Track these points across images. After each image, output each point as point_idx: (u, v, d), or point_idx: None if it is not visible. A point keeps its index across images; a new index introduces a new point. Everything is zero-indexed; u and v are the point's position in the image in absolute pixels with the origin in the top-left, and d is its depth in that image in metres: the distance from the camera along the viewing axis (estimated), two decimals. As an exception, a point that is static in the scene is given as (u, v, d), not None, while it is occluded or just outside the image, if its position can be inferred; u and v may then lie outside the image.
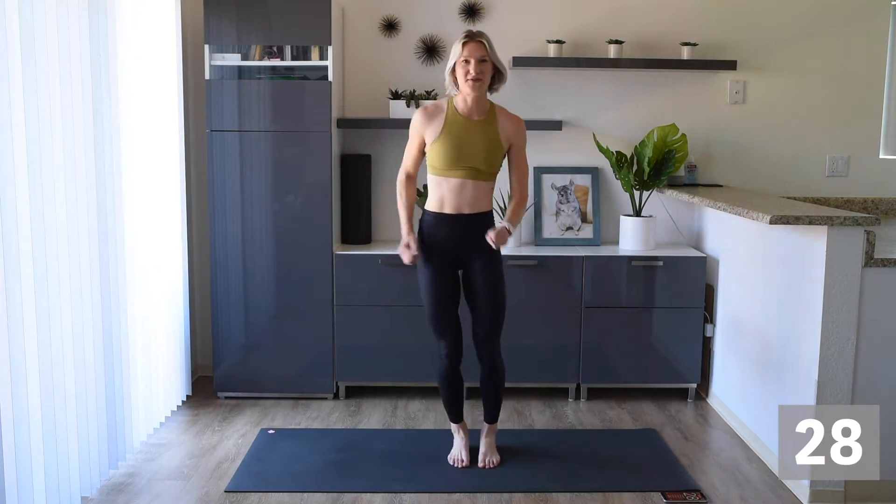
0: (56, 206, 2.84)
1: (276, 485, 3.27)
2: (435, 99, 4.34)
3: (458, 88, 3.27)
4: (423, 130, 3.31)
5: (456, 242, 3.32)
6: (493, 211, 3.43)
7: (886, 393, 3.11)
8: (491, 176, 3.31)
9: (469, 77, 3.19)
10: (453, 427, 3.55)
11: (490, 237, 3.20)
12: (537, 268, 4.18)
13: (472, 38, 3.21)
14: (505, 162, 3.39)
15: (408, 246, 3.28)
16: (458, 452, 3.50)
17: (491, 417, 3.51)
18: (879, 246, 3.13)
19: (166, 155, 3.92)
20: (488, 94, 3.30)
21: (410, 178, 3.40)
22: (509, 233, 3.25)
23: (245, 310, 4.17)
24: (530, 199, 4.48)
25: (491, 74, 3.25)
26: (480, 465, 3.44)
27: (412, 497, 3.19)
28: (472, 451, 3.52)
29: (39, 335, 2.74)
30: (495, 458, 3.47)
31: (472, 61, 3.18)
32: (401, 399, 4.27)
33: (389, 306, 4.18)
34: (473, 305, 3.39)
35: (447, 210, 3.29)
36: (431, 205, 3.34)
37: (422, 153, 3.36)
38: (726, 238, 4.12)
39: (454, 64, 3.22)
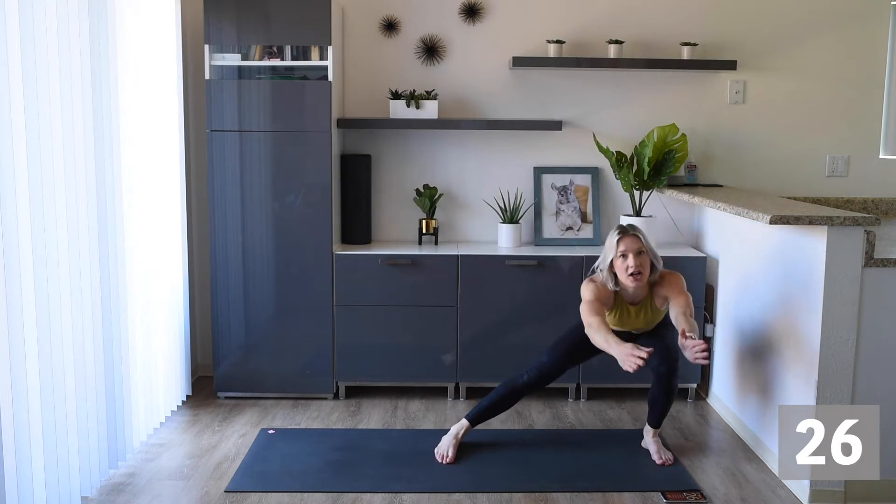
0: (56, 205, 2.84)
1: (276, 485, 3.27)
2: (435, 99, 4.34)
3: (616, 284, 3.38)
4: (602, 300, 3.38)
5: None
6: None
7: (886, 393, 3.11)
8: (655, 324, 3.53)
9: (630, 271, 3.29)
10: (462, 424, 3.56)
11: (698, 351, 3.10)
12: (537, 268, 4.18)
13: (625, 232, 3.34)
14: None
15: (632, 354, 3.08)
16: (445, 448, 3.51)
17: (658, 423, 3.58)
18: (879, 246, 3.13)
19: (166, 155, 3.92)
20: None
21: (598, 324, 3.31)
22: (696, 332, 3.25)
23: (245, 310, 4.17)
24: (529, 200, 4.49)
25: (650, 267, 3.35)
26: (659, 462, 3.48)
27: (412, 497, 3.19)
28: (460, 449, 3.53)
29: (39, 335, 2.74)
30: (669, 455, 3.52)
31: (631, 255, 3.30)
32: (401, 399, 4.26)
33: (389, 306, 4.18)
34: (643, 340, 3.44)
35: (618, 328, 3.51)
36: None
37: (604, 308, 3.40)
38: (726, 238, 4.12)
39: (612, 260, 3.34)
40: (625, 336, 3.40)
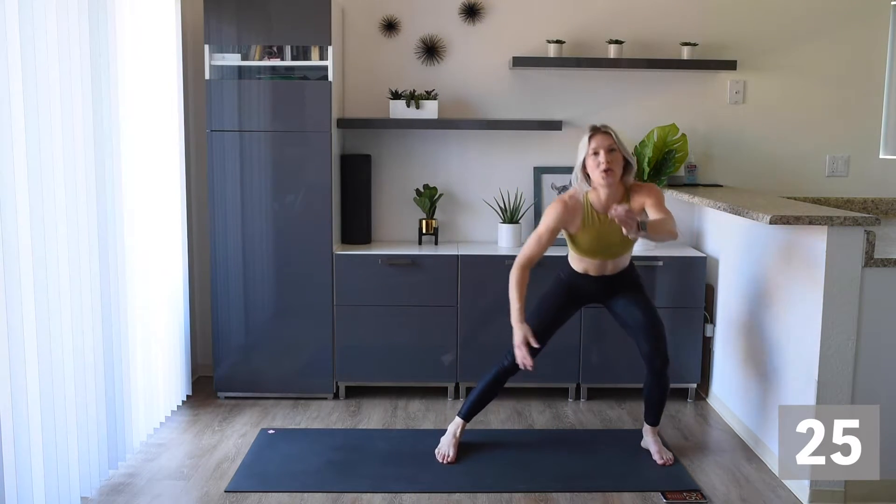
0: (56, 206, 2.84)
1: (276, 485, 3.27)
2: (435, 99, 4.34)
3: (589, 184, 3.32)
4: (563, 224, 3.35)
5: (598, 293, 3.50)
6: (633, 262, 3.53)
7: (886, 393, 3.11)
8: (631, 250, 3.46)
9: (601, 168, 3.24)
10: (457, 422, 3.56)
11: (616, 210, 2.97)
12: (537, 268, 4.16)
13: (597, 130, 3.29)
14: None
15: (526, 344, 3.30)
16: (446, 448, 3.51)
17: (655, 420, 3.57)
18: (879, 246, 3.13)
19: (166, 155, 3.92)
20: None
21: (528, 267, 3.36)
22: (639, 226, 3.00)
23: (245, 310, 4.17)
24: (529, 200, 4.49)
25: (622, 164, 3.29)
26: (660, 462, 3.47)
27: (412, 497, 3.19)
28: (460, 449, 3.53)
29: (39, 335, 2.74)
30: (669, 455, 3.51)
31: (602, 152, 3.24)
32: (401, 399, 4.27)
33: (389, 306, 4.18)
34: (638, 337, 3.46)
35: (591, 273, 3.45)
36: (575, 266, 3.47)
37: (549, 245, 3.37)
38: (726, 238, 4.12)
39: (584, 158, 3.29)
40: (601, 266, 3.37)
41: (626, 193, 3.35)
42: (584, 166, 3.31)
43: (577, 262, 3.47)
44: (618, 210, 2.98)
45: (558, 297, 3.52)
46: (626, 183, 3.34)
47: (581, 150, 3.32)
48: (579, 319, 4.17)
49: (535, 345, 3.31)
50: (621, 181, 3.32)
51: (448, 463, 3.45)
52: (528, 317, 3.40)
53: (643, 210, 3.30)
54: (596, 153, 3.26)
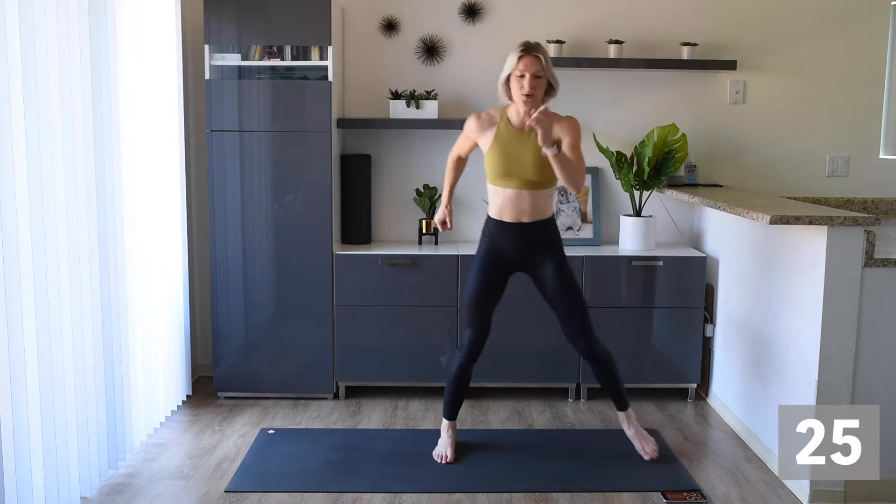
0: (56, 206, 2.84)
1: (276, 485, 3.27)
2: (435, 99, 4.34)
3: (510, 99, 3.28)
4: (475, 137, 3.36)
5: (518, 249, 3.38)
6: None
7: (886, 393, 3.11)
8: (546, 185, 3.33)
9: (523, 92, 3.18)
10: (445, 423, 3.56)
11: (534, 114, 3.08)
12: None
13: (528, 51, 3.19)
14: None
15: (444, 223, 3.52)
16: (443, 449, 3.51)
17: (621, 404, 3.54)
18: (879, 246, 3.13)
19: (166, 155, 3.92)
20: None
21: (461, 160, 3.54)
22: (554, 148, 3.15)
23: (245, 310, 4.17)
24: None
25: (545, 89, 3.24)
26: (646, 457, 3.46)
27: (412, 497, 3.19)
28: (457, 448, 3.53)
29: (39, 335, 2.74)
30: (652, 445, 3.49)
31: (528, 76, 3.18)
32: (401, 399, 4.27)
33: (389, 306, 4.18)
34: (555, 307, 3.42)
35: (506, 219, 3.35)
36: (492, 212, 3.40)
37: (472, 147, 3.44)
38: (726, 238, 4.12)
39: (508, 75, 3.22)
40: (517, 201, 3.29)
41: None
42: (506, 81, 3.25)
43: (493, 201, 3.36)
44: (535, 114, 3.06)
45: (482, 269, 3.41)
46: (544, 102, 3.27)
47: (507, 65, 3.23)
48: (579, 319, 4.17)
49: (448, 227, 3.54)
50: (542, 102, 3.26)
51: (447, 463, 3.45)
52: (464, 294, 3.42)
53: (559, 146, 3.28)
54: (522, 76, 3.18)
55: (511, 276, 3.46)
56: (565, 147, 3.27)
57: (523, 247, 3.37)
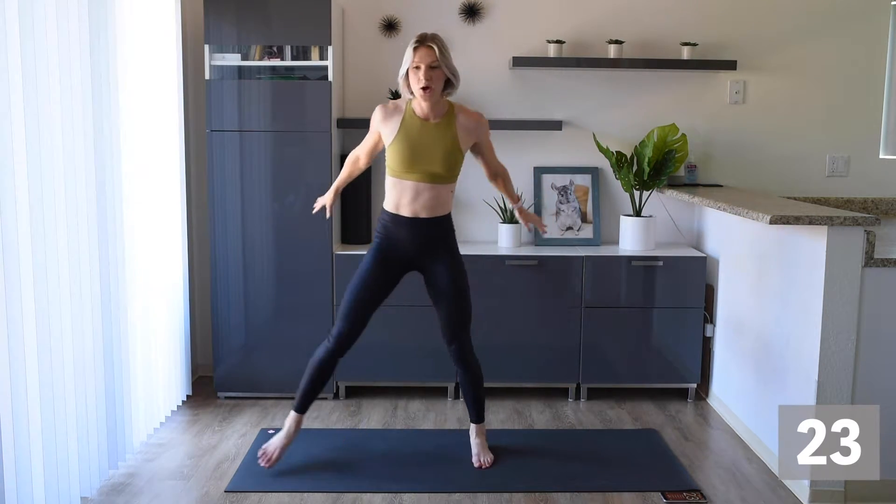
0: (56, 205, 2.84)
1: (276, 485, 3.27)
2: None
3: (411, 94, 3.22)
4: (380, 128, 3.28)
5: (412, 245, 3.30)
6: (450, 215, 3.37)
7: (886, 393, 3.11)
8: (449, 179, 3.27)
9: (420, 84, 3.13)
10: (291, 415, 3.42)
11: (532, 224, 3.58)
12: (537, 268, 4.18)
13: (422, 42, 3.14)
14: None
15: (323, 207, 3.51)
16: (272, 448, 3.38)
17: (477, 417, 3.52)
18: (879, 246, 3.13)
19: (166, 155, 3.92)
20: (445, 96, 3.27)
21: (359, 160, 3.48)
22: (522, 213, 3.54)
23: (245, 310, 4.17)
24: (529, 200, 4.50)
25: (443, 80, 3.18)
26: (476, 465, 3.43)
27: (412, 497, 3.19)
28: (457, 449, 3.52)
29: (39, 335, 2.74)
30: (489, 458, 3.46)
31: (423, 67, 3.12)
32: (401, 399, 4.26)
33: (389, 306, 4.13)
34: (439, 306, 3.37)
35: (403, 213, 3.26)
36: (389, 205, 3.30)
37: (378, 146, 3.38)
38: (726, 238, 4.12)
39: (407, 70, 3.17)
40: (414, 195, 3.23)
41: (450, 109, 3.25)
42: (406, 76, 3.18)
43: (391, 193, 3.28)
44: (530, 224, 3.57)
45: (373, 263, 3.31)
46: (449, 96, 3.25)
47: (405, 59, 3.16)
48: (579, 319, 4.17)
49: (327, 213, 3.50)
50: (444, 96, 3.23)
51: (267, 466, 3.35)
52: (349, 285, 3.33)
53: (469, 143, 3.28)
54: (417, 67, 3.12)
55: (403, 275, 3.38)
56: (483, 147, 3.35)
57: (419, 243, 3.29)
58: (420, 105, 3.22)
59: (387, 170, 3.29)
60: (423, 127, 3.21)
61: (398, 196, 3.26)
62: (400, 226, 3.28)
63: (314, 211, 3.56)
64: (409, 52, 3.16)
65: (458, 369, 3.46)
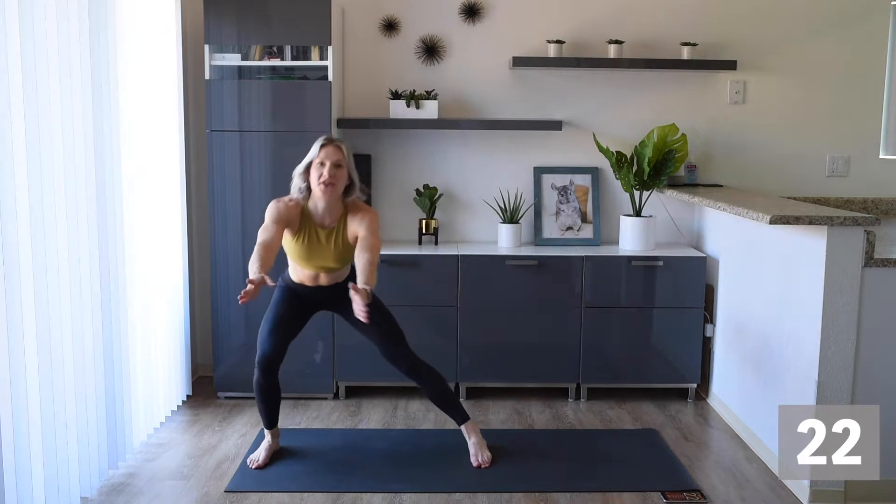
0: (56, 206, 2.84)
1: (276, 485, 3.27)
2: (435, 99, 4.34)
3: (308, 191, 3.23)
4: (284, 223, 3.21)
5: (318, 300, 3.43)
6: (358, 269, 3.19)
7: (886, 393, 3.11)
8: (344, 266, 3.36)
9: (322, 180, 3.16)
10: (266, 433, 3.52)
11: (360, 310, 2.96)
12: (537, 268, 4.18)
13: (330, 142, 3.21)
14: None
15: (253, 282, 2.94)
16: (257, 454, 3.46)
17: (461, 417, 3.52)
18: (879, 246, 3.13)
19: (166, 155, 3.92)
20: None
21: (272, 249, 3.14)
22: (369, 296, 3.01)
23: (245, 310, 4.16)
24: (529, 200, 4.49)
25: (345, 182, 3.22)
26: (475, 464, 3.43)
27: (412, 497, 3.19)
28: (457, 449, 3.52)
29: (39, 335, 2.74)
30: (487, 455, 3.46)
31: (328, 164, 3.17)
32: (401, 399, 4.26)
33: (389, 306, 4.16)
34: (368, 335, 3.43)
35: (307, 284, 3.37)
36: (291, 275, 3.40)
37: (280, 236, 3.21)
38: (726, 238, 4.12)
39: (309, 164, 3.20)
40: (314, 277, 3.30)
41: (344, 212, 3.28)
42: (307, 171, 3.22)
43: (292, 271, 3.39)
44: (359, 308, 2.95)
45: (283, 302, 3.40)
46: (346, 202, 3.28)
47: (309, 155, 3.23)
48: (579, 319, 4.17)
49: (250, 288, 2.90)
50: (342, 199, 3.27)
51: (256, 468, 3.39)
52: (263, 324, 3.39)
53: (356, 239, 3.24)
54: (322, 164, 3.17)
55: (314, 314, 3.49)
56: (361, 237, 3.21)
57: (323, 299, 3.42)
58: (316, 206, 3.24)
59: (287, 252, 3.34)
60: (318, 231, 3.27)
61: (299, 274, 3.37)
62: (304, 290, 3.40)
63: (244, 297, 2.90)
64: (314, 148, 3.22)
65: (415, 381, 3.49)
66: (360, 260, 3.14)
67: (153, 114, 3.74)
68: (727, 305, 4.08)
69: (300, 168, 3.23)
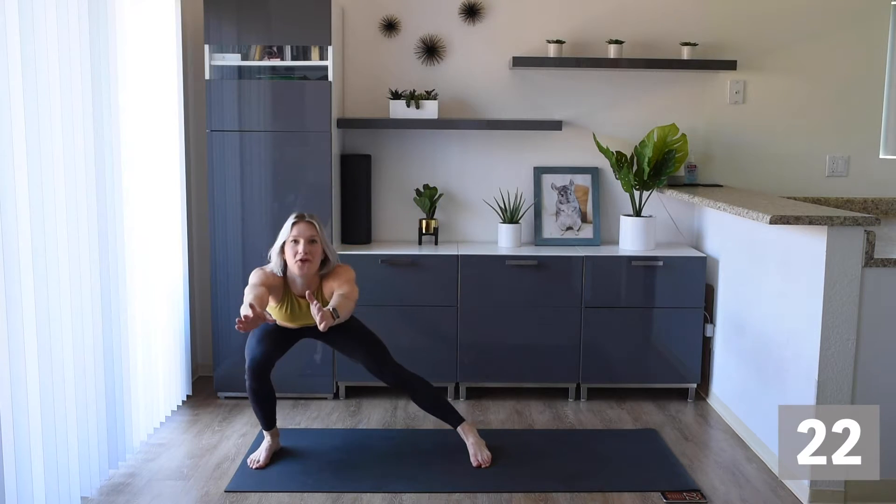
0: (56, 206, 2.84)
1: (276, 485, 3.27)
2: (435, 99, 4.34)
3: (284, 271, 3.31)
4: (267, 286, 3.27)
5: (305, 332, 3.50)
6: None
7: (886, 393, 3.11)
8: None
9: (297, 257, 3.22)
10: (265, 434, 3.54)
11: (319, 321, 3.08)
12: (537, 268, 4.18)
13: (301, 218, 3.28)
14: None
15: (247, 316, 3.03)
16: (257, 454, 3.47)
17: (455, 420, 3.53)
18: (879, 246, 3.13)
19: (166, 155, 3.92)
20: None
21: (260, 301, 3.19)
22: (334, 317, 3.13)
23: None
24: (529, 200, 4.49)
25: (321, 257, 3.29)
26: (474, 464, 3.43)
27: (412, 497, 3.19)
28: (457, 449, 3.52)
29: (39, 335, 2.74)
30: (486, 455, 3.46)
31: (302, 241, 3.23)
32: (401, 399, 4.26)
33: (389, 306, 4.18)
34: (352, 354, 3.48)
35: (292, 328, 3.47)
36: (276, 319, 3.45)
37: (267, 296, 3.26)
38: (726, 238, 4.12)
39: (283, 243, 3.26)
40: (303, 330, 3.44)
41: (320, 282, 3.37)
42: (282, 250, 3.30)
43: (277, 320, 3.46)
44: (315, 313, 3.06)
45: (267, 328, 3.45)
46: (321, 276, 3.36)
47: (282, 233, 3.32)
48: (579, 319, 4.17)
49: (247, 313, 3.02)
50: (318, 274, 3.33)
51: (257, 468, 3.40)
52: (251, 334, 3.43)
53: (333, 294, 3.30)
54: (296, 241, 3.25)
55: (301, 339, 3.54)
56: (337, 292, 3.29)
57: (310, 331, 3.47)
58: (295, 280, 3.32)
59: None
60: (299, 302, 3.37)
61: (282, 325, 3.46)
62: (289, 329, 3.48)
63: (238, 327, 3.04)
64: (287, 226, 3.29)
65: (404, 392, 3.53)
66: (335, 296, 3.25)
67: (153, 114, 3.74)
68: (727, 305, 4.08)
69: (276, 247, 3.32)
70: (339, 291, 3.28)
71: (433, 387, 3.55)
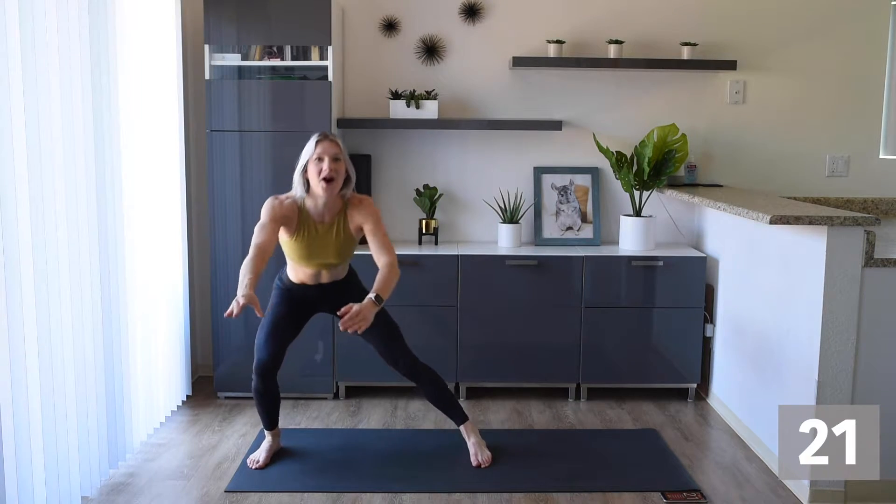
0: (56, 206, 2.84)
1: (276, 485, 3.27)
2: (435, 99, 4.34)
3: (307, 191, 3.23)
4: (280, 221, 3.20)
5: (318, 301, 3.40)
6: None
7: (886, 393, 3.11)
8: (345, 262, 3.38)
9: (323, 175, 3.15)
10: (266, 433, 3.53)
11: (347, 322, 3.00)
12: (537, 268, 4.18)
13: (325, 137, 3.21)
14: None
15: (239, 303, 2.95)
16: (258, 454, 3.46)
17: (459, 418, 3.52)
18: (879, 246, 3.13)
19: (166, 155, 3.92)
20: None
21: (265, 252, 3.15)
22: (376, 304, 3.07)
23: (245, 310, 4.15)
24: (529, 200, 4.49)
25: (343, 176, 3.23)
26: (474, 464, 3.43)
27: (412, 497, 3.19)
28: (457, 449, 3.51)
29: (39, 335, 2.74)
30: (486, 455, 3.46)
31: (327, 159, 3.16)
32: (401, 399, 4.27)
33: (389, 306, 4.16)
34: (368, 338, 3.37)
35: (307, 282, 3.36)
36: (291, 276, 3.38)
37: (276, 236, 3.21)
38: (726, 238, 4.12)
39: (307, 162, 3.19)
40: (315, 275, 3.30)
41: (343, 206, 3.29)
42: (305, 171, 3.21)
43: (291, 272, 3.37)
44: (347, 321, 2.98)
45: (281, 305, 3.39)
46: (344, 196, 3.29)
47: (305, 153, 3.21)
48: (579, 319, 4.17)
49: (236, 310, 2.95)
50: (340, 194, 3.27)
51: (257, 468, 3.40)
52: (261, 323, 3.38)
53: (360, 231, 3.27)
54: (320, 159, 3.16)
55: (312, 316, 3.47)
56: (368, 232, 3.25)
57: (325, 299, 3.39)
58: (315, 203, 3.24)
59: (286, 253, 3.34)
60: (317, 227, 3.26)
61: (299, 274, 3.35)
62: (304, 290, 3.37)
63: (229, 314, 2.98)
64: (310, 145, 3.21)
65: (414, 382, 3.48)
66: (383, 270, 3.18)
67: (153, 114, 3.74)
68: (727, 305, 4.08)
69: (298, 168, 3.23)
70: (385, 259, 3.20)
71: (443, 381, 3.52)
